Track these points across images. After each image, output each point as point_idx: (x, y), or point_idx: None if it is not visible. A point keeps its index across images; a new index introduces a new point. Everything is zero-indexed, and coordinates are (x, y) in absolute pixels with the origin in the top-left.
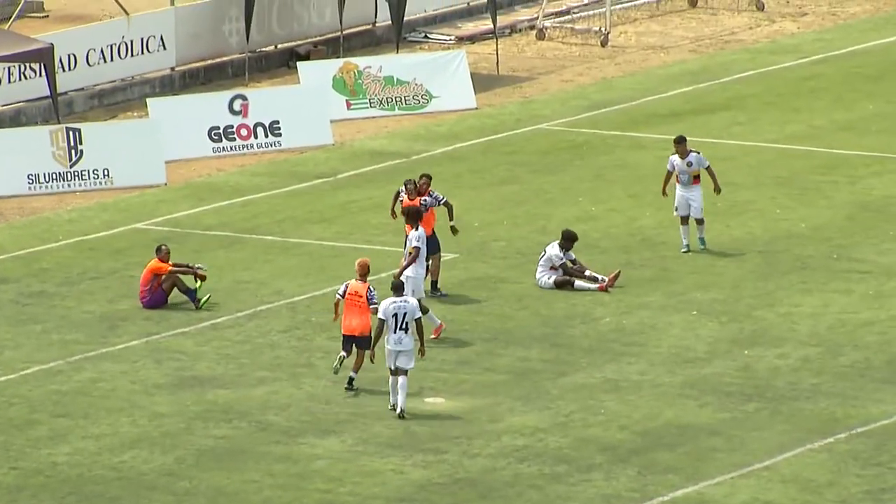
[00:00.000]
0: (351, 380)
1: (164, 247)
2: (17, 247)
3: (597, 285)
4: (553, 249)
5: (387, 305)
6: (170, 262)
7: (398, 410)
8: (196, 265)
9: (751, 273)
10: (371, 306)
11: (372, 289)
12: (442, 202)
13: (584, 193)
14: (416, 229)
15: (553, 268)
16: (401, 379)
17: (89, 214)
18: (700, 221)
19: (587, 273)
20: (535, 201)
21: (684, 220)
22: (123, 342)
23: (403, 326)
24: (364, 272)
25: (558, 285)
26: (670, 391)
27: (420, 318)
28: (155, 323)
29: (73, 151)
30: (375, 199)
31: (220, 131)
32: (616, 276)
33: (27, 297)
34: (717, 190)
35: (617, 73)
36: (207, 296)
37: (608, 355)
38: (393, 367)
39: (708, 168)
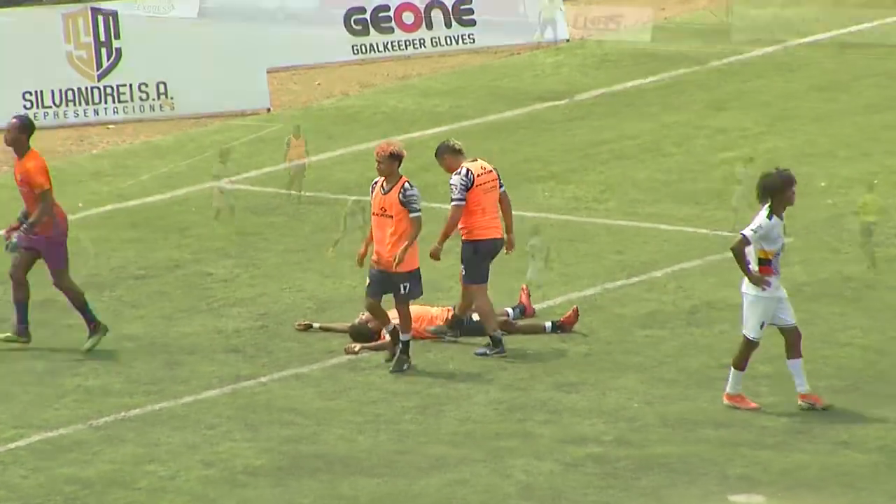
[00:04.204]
0: None
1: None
2: (4, 221)
3: None
4: None
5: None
6: None
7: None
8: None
9: None
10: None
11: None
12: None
13: None
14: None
15: None
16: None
17: (132, 163)
18: None
19: None
20: None
21: None
22: (190, 392)
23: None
24: None
25: None
26: None
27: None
28: (246, 357)
29: (103, 52)
30: (642, 141)
31: (367, 18)
32: None
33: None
34: None
35: None
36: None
37: None
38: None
39: None
